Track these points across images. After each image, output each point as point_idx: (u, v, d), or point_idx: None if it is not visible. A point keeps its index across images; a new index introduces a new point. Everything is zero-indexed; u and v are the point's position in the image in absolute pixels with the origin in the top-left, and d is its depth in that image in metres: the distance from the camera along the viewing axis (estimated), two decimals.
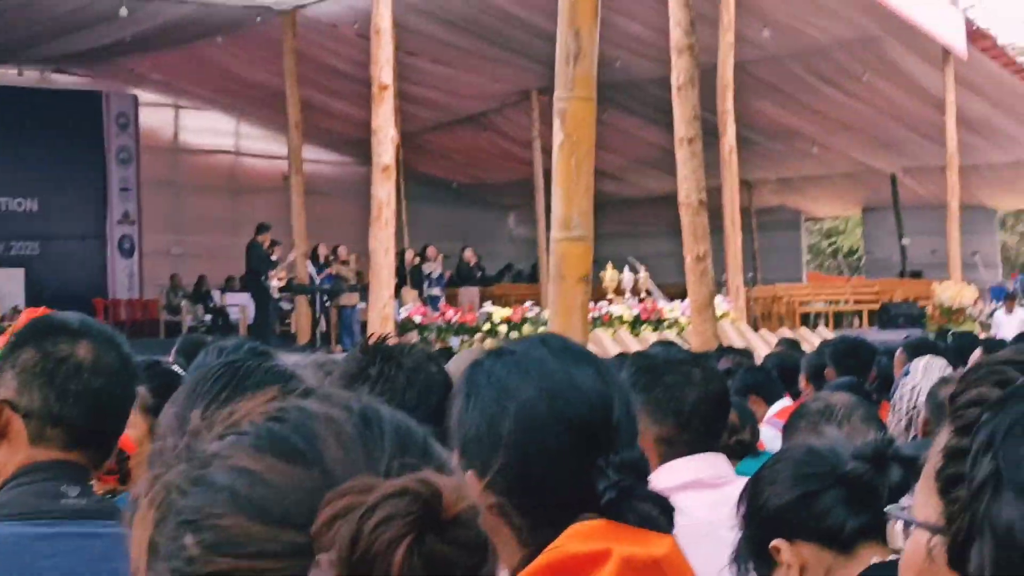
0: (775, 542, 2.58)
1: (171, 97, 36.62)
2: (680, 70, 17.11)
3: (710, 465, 3.37)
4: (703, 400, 3.39)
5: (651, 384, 3.36)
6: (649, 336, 21.89)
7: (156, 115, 36.48)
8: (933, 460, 1.34)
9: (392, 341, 3.16)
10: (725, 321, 22.26)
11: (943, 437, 1.34)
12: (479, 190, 41.64)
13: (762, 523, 2.63)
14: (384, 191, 19.41)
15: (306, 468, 1.08)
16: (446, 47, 30.30)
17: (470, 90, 33.64)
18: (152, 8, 26.81)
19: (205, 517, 1.07)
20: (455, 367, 3.37)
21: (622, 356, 6.87)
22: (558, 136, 8.40)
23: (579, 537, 2.06)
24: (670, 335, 21.94)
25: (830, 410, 3.82)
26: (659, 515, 2.11)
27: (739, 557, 2.69)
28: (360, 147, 25.07)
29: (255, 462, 1.09)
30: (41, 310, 3.13)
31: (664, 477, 3.18)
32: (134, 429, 3.57)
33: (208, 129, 37.92)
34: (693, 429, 3.35)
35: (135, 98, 34.75)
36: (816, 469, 2.60)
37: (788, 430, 3.93)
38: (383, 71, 19.48)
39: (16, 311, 23.08)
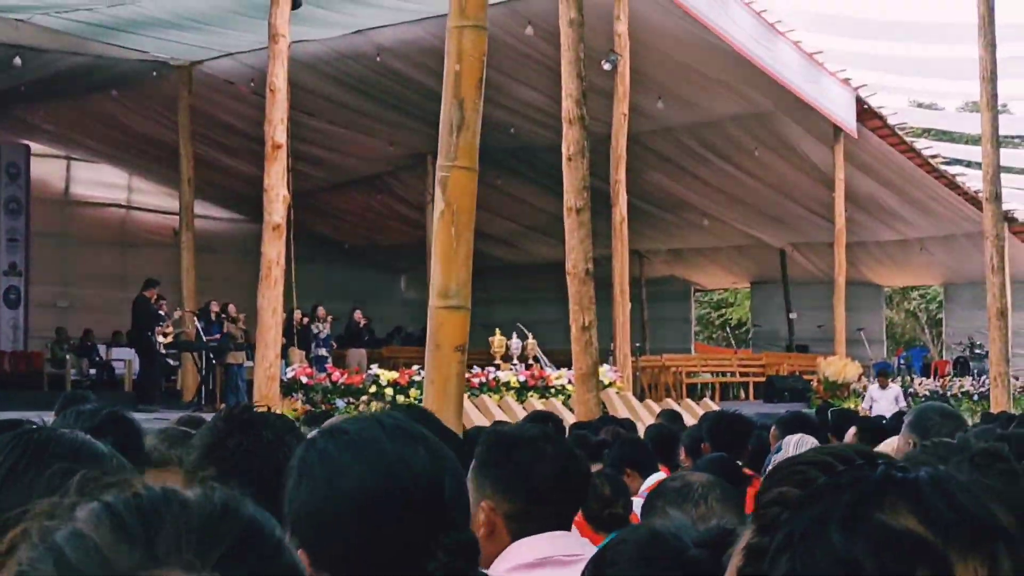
0: None
1: (63, 149, 36.33)
2: (570, 141, 17.20)
3: (562, 542, 3.33)
4: (555, 477, 3.35)
5: (502, 460, 3.31)
6: (534, 403, 21.88)
7: (47, 166, 36.14)
8: (735, 558, 1.35)
9: (261, 408, 3.09)
10: (611, 390, 22.31)
11: (746, 536, 1.34)
12: (371, 252, 41.60)
13: None
14: (274, 250, 19.27)
15: (131, 546, 1.08)
16: (342, 108, 30.34)
17: (365, 152, 33.68)
18: (47, 59, 26.62)
19: (33, 571, 1.09)
20: None
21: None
22: (439, 205, 8.41)
23: None
24: (556, 403, 21.93)
25: (688, 489, 3.81)
26: None
27: None
28: (252, 205, 24.95)
29: (93, 529, 1.10)
30: None
31: (515, 554, 3.17)
32: None
33: (100, 182, 37.68)
34: (544, 506, 3.30)
35: (27, 148, 34.33)
36: (658, 553, 2.59)
37: (646, 508, 3.92)
38: (277, 130, 19.40)
39: None
